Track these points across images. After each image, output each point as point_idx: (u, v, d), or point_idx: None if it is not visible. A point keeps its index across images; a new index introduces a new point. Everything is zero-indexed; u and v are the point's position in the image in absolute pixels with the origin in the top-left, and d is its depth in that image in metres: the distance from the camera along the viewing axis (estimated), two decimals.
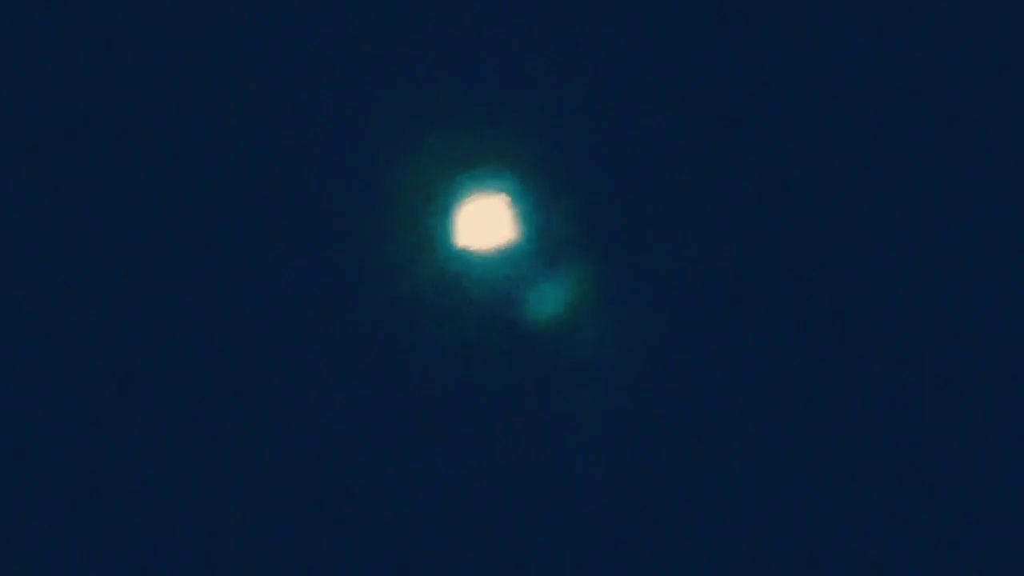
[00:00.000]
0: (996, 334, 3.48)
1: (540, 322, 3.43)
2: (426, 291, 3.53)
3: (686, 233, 3.51)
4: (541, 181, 3.57)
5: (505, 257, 3.52)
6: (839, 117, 3.56)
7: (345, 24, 3.49)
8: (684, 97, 3.53)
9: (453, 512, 3.43)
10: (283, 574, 3.35)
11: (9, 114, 3.39)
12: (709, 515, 3.42)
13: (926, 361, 3.46)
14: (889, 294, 3.49)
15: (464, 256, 3.53)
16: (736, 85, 3.53)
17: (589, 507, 3.38)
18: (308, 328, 3.52)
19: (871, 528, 3.36)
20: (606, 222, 3.43)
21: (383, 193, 3.53)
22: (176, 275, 3.48)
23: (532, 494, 3.42)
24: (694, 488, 3.45)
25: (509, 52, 3.54)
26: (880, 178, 3.56)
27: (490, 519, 3.42)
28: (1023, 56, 3.44)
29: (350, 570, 3.36)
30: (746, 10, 3.47)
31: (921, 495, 3.37)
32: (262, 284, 3.49)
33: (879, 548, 3.32)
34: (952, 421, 3.47)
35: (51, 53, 3.43)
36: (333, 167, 3.56)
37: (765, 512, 3.42)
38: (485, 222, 3.56)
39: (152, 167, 3.46)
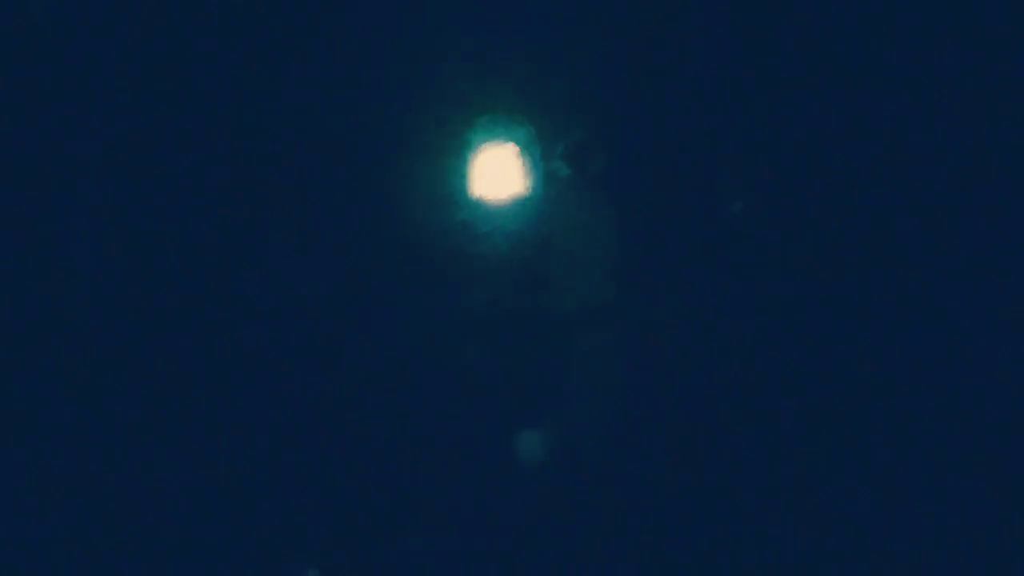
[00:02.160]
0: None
1: (553, 270, 3.43)
2: (441, 241, 3.52)
3: (705, 182, 3.49)
4: (553, 128, 3.54)
5: (518, 206, 3.51)
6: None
7: None
8: (702, 45, 3.50)
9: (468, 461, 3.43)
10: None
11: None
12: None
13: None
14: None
15: (478, 205, 3.52)
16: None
17: (600, 459, 3.37)
18: (323, 282, 3.51)
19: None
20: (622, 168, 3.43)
21: (397, 142, 3.52)
22: (191, 229, 3.48)
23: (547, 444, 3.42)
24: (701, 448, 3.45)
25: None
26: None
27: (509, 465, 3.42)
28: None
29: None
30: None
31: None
32: (272, 244, 3.49)
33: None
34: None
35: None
36: (345, 115, 3.55)
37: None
38: (498, 171, 3.54)
39: (164, 118, 3.46)
